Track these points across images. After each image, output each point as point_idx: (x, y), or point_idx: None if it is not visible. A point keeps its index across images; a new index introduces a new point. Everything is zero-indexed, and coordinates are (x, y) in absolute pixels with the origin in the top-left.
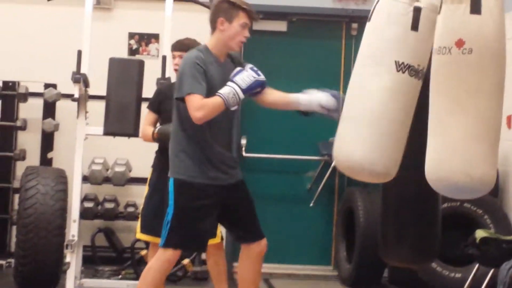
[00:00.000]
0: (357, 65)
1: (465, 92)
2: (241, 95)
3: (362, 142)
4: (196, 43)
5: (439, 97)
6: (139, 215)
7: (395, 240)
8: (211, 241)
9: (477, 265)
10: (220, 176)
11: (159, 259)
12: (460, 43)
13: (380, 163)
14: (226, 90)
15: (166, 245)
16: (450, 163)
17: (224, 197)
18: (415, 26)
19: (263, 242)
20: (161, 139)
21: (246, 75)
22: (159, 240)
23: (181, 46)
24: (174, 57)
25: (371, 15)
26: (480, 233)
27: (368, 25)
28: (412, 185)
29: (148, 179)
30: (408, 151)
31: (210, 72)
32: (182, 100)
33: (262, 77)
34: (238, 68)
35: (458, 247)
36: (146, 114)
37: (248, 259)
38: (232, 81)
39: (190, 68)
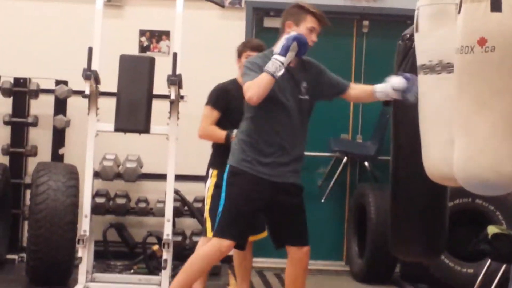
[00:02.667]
0: None
1: (490, 90)
2: (281, 58)
3: None
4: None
5: (464, 96)
6: (207, 216)
7: (405, 235)
8: (258, 236)
9: (489, 261)
10: (270, 172)
11: (210, 248)
12: (482, 42)
13: None
14: (269, 63)
15: (215, 234)
16: (478, 161)
17: (273, 195)
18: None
19: (305, 249)
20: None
21: (280, 42)
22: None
23: (261, 47)
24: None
25: None
26: (492, 229)
27: None
28: (421, 182)
29: (214, 180)
30: (418, 148)
31: None
32: None
33: (293, 34)
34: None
35: (470, 242)
36: (207, 112)
37: (293, 264)
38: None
39: (247, 65)
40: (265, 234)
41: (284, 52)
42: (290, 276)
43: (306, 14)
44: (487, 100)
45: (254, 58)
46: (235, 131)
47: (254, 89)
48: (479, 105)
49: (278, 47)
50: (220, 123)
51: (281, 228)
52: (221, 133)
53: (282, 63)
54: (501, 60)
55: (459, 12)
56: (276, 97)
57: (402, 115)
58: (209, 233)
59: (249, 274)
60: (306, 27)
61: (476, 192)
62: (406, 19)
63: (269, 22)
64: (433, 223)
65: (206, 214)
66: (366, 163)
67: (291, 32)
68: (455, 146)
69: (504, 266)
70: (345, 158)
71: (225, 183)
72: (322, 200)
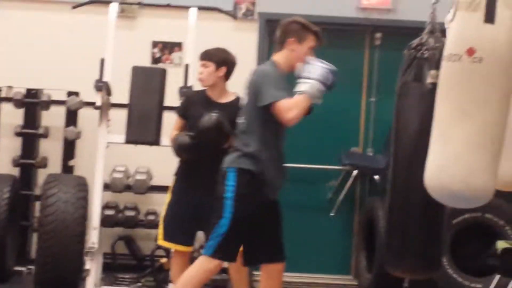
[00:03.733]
0: None
1: (472, 100)
2: (321, 87)
3: None
4: (222, 52)
5: (445, 104)
6: (161, 222)
7: (400, 250)
8: None
9: (498, 276)
10: (268, 192)
11: (204, 268)
12: (471, 52)
13: None
14: (305, 86)
15: (215, 255)
16: (451, 171)
17: (264, 212)
18: None
19: (283, 263)
20: (175, 149)
21: (315, 67)
22: (181, 248)
23: (205, 55)
24: (200, 66)
25: None
26: (501, 244)
27: None
28: (417, 195)
29: (172, 187)
30: (415, 160)
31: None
32: (266, 107)
33: (330, 65)
34: (303, 65)
35: (479, 257)
36: (176, 119)
37: (269, 278)
38: (305, 77)
39: (270, 78)
40: None
41: (325, 81)
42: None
43: (309, 33)
44: (468, 110)
45: (273, 69)
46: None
47: (298, 111)
48: (459, 114)
49: (313, 72)
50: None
51: (264, 245)
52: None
53: (322, 92)
54: (487, 72)
55: (452, 19)
56: None
57: (406, 124)
58: (160, 240)
59: (246, 282)
60: (308, 46)
61: (444, 203)
62: (419, 31)
63: None
64: (429, 238)
65: (161, 220)
66: (376, 177)
67: (310, 58)
68: (429, 153)
69: None
70: (355, 171)
71: (232, 188)
72: (332, 214)
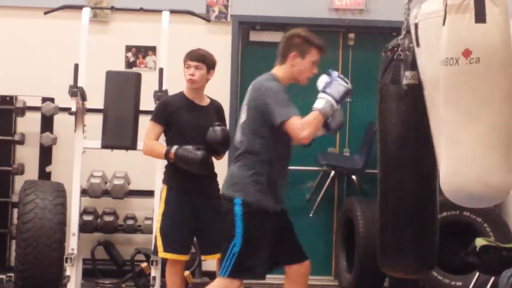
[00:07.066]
0: None
1: (476, 101)
2: (336, 106)
3: None
4: (212, 56)
5: (450, 108)
6: (158, 234)
7: (394, 250)
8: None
9: (477, 273)
10: (278, 203)
11: None
12: (467, 53)
13: None
14: (322, 103)
15: (233, 275)
16: (465, 173)
17: (277, 223)
18: None
19: (307, 263)
20: (181, 163)
21: (338, 85)
22: (181, 257)
23: (199, 56)
24: (189, 67)
25: None
26: (480, 241)
27: None
28: (410, 194)
29: (164, 196)
30: (400, 161)
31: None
32: (280, 125)
33: (349, 85)
34: (326, 78)
35: (458, 255)
36: (150, 126)
37: (294, 282)
38: (325, 92)
39: (279, 94)
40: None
41: (341, 100)
42: None
43: (311, 48)
44: (474, 111)
45: (277, 85)
46: (174, 148)
47: (312, 129)
48: (465, 116)
49: (336, 90)
50: (168, 137)
51: (284, 249)
52: (162, 149)
53: (335, 111)
54: (486, 71)
55: (444, 24)
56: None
57: (389, 126)
58: (160, 253)
59: None
60: (310, 60)
61: (464, 205)
62: (391, 31)
63: (255, 36)
64: (423, 237)
65: (157, 232)
66: (353, 177)
67: (324, 76)
68: (441, 158)
69: (492, 279)
70: (333, 172)
71: (241, 219)
72: (310, 214)
